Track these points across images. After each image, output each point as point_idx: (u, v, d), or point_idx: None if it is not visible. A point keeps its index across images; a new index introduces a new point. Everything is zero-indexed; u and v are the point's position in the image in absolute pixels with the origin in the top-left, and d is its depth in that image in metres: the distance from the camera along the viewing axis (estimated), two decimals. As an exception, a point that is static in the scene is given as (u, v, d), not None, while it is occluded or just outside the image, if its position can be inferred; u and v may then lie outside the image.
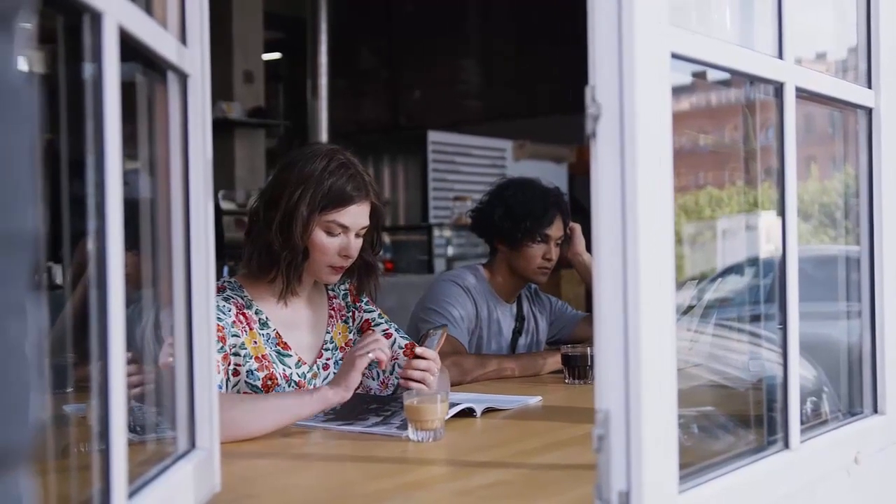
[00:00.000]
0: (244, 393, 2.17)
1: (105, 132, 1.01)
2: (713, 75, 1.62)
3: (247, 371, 2.16)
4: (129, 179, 1.09)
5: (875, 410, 1.85)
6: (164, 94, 1.35)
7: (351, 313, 2.42)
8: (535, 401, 2.38)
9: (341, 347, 2.37)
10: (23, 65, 0.60)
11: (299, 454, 1.83)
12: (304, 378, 2.26)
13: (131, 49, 1.12)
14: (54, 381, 1.29)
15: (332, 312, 2.39)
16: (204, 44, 1.41)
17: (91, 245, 1.02)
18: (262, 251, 2.21)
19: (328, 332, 2.36)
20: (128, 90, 1.08)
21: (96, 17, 1.00)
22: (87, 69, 1.02)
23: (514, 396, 2.36)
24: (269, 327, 2.24)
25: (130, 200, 1.11)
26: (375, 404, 2.16)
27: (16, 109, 0.56)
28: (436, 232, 7.54)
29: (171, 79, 1.35)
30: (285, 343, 2.25)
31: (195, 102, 1.38)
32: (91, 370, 1.05)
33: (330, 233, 2.21)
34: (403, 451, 1.82)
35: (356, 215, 2.22)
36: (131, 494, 1.09)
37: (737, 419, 1.73)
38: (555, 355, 2.86)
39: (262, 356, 2.19)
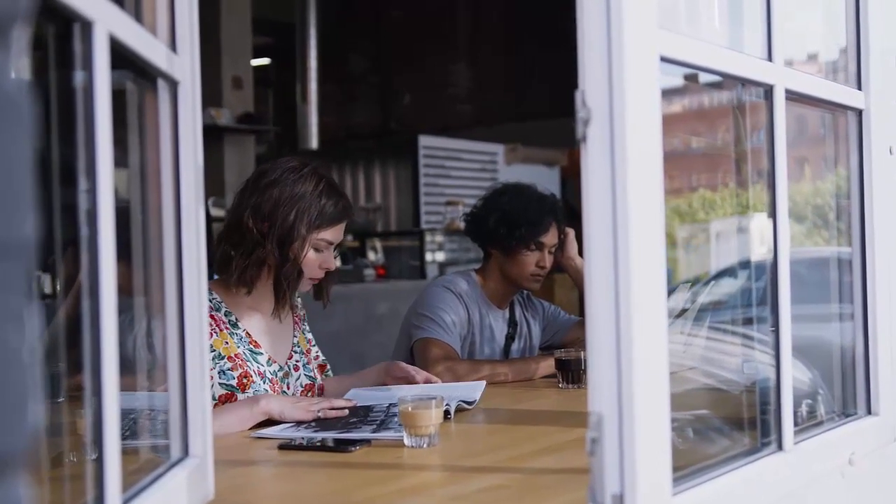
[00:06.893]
0: (219, 396, 2.22)
1: (96, 140, 1.01)
2: (704, 77, 1.63)
3: (219, 372, 2.23)
4: (118, 187, 1.09)
5: (868, 412, 1.85)
6: (154, 102, 1.35)
7: (306, 324, 2.56)
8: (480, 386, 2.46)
9: (305, 352, 2.49)
10: (19, 74, 0.60)
11: (293, 461, 1.83)
12: (276, 377, 2.35)
13: (120, 56, 1.12)
14: (47, 390, 1.28)
15: (297, 319, 2.51)
16: (194, 51, 1.41)
17: (83, 253, 1.02)
18: (254, 265, 2.28)
19: (294, 337, 2.47)
20: (117, 98, 1.08)
21: (87, 26, 1.00)
22: (78, 77, 1.02)
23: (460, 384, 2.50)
24: (239, 328, 2.32)
25: (120, 208, 1.11)
26: (355, 418, 2.13)
27: (14, 118, 0.56)
28: (428, 237, 7.52)
29: (161, 86, 1.35)
30: (256, 342, 2.34)
31: (185, 110, 1.38)
32: (82, 379, 1.05)
33: (317, 249, 2.33)
34: (398, 458, 1.82)
35: (341, 232, 2.37)
36: (125, 502, 1.09)
37: (731, 421, 1.73)
38: (548, 359, 2.86)
39: (235, 355, 2.27)
